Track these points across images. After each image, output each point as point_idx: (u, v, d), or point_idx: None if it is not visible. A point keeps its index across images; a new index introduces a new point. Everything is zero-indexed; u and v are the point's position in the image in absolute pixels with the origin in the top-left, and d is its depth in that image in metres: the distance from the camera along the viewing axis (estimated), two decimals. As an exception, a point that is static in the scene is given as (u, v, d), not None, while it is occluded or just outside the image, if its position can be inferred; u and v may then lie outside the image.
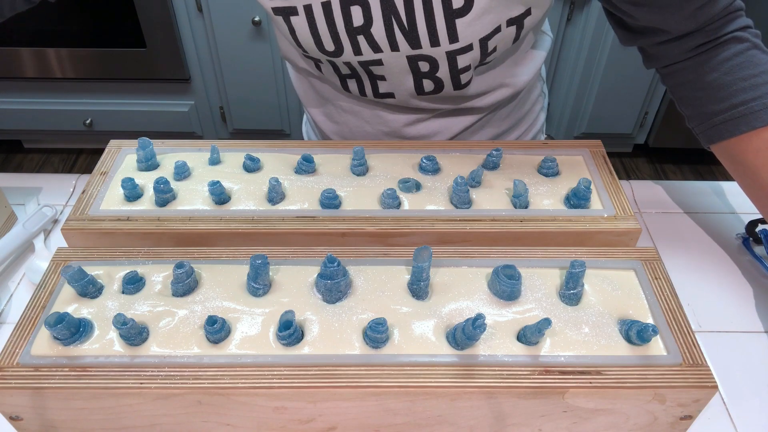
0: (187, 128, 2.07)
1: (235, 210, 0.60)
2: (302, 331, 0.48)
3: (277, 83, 1.94)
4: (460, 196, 0.60)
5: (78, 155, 2.27)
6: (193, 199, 0.61)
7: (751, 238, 0.70)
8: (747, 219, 0.72)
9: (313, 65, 0.71)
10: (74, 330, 0.47)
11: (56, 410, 0.47)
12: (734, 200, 0.77)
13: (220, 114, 2.06)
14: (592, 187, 0.63)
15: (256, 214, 0.59)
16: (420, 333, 0.48)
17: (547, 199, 0.62)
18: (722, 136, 0.63)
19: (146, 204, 0.61)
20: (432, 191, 0.62)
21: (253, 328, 0.48)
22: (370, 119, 0.77)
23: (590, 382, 0.45)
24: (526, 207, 0.61)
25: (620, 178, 0.66)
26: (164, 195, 0.60)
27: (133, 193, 0.61)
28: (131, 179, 0.60)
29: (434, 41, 0.62)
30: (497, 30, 0.62)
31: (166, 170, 0.65)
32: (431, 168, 0.64)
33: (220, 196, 0.60)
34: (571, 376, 0.45)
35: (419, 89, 0.69)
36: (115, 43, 1.84)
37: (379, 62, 0.65)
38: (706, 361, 0.47)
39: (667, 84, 0.69)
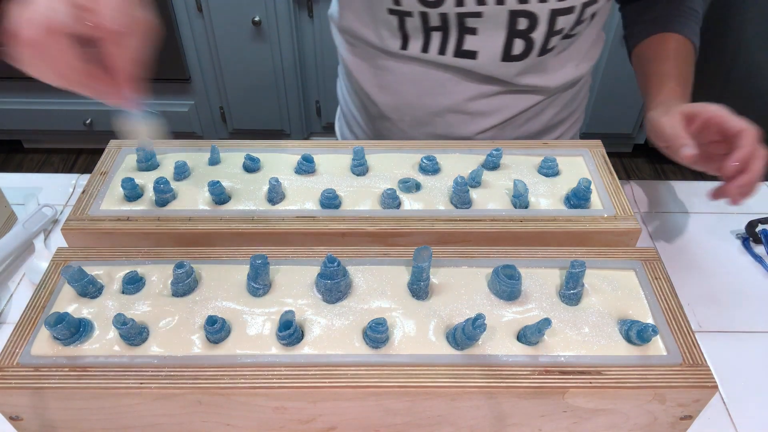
0: (187, 128, 2.07)
1: (235, 210, 0.60)
2: (302, 331, 0.48)
3: (277, 83, 1.94)
4: (460, 196, 0.60)
5: (78, 155, 2.27)
6: (193, 199, 0.61)
7: (751, 238, 0.70)
8: (747, 219, 0.72)
9: (395, 22, 0.70)
10: (74, 330, 0.47)
11: (56, 410, 0.47)
12: (734, 200, 0.77)
13: (220, 114, 2.06)
14: (592, 187, 0.63)
15: (256, 214, 0.59)
16: (420, 333, 0.48)
17: (547, 199, 0.62)
18: (640, 37, 0.76)
19: (146, 204, 0.61)
20: (432, 191, 0.62)
21: (253, 328, 0.48)
22: (432, 89, 0.76)
23: (590, 382, 0.45)
24: (526, 207, 0.61)
25: (620, 178, 0.66)
26: (164, 195, 0.60)
27: (133, 193, 0.61)
28: (131, 179, 0.60)
29: None
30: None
31: (166, 170, 0.65)
32: (431, 168, 0.64)
33: (220, 196, 0.60)
34: (571, 376, 0.45)
35: (507, 51, 0.70)
36: (115, 43, 1.83)
37: (478, 15, 0.66)
38: (706, 361, 0.47)
39: (627, 9, 0.80)
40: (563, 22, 0.67)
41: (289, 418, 0.48)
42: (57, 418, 0.48)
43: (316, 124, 2.11)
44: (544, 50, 0.71)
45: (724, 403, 0.55)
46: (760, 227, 0.70)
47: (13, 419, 0.48)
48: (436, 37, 0.70)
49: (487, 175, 0.64)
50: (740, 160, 0.57)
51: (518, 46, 0.69)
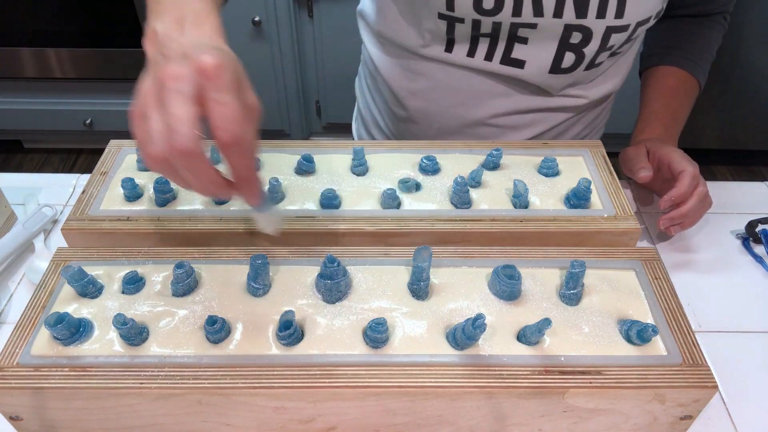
0: (187, 128, 2.07)
1: (235, 210, 0.60)
2: (302, 331, 0.48)
3: (277, 83, 1.94)
4: (460, 196, 0.60)
5: (78, 155, 2.27)
6: (193, 199, 0.61)
7: (751, 238, 0.70)
8: (747, 219, 0.72)
9: (443, 27, 0.69)
10: (74, 330, 0.47)
11: (56, 410, 0.47)
12: (734, 200, 0.77)
13: (220, 114, 2.06)
14: (592, 187, 0.63)
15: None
16: (420, 333, 0.48)
17: (547, 199, 0.62)
18: (651, 63, 0.82)
19: (146, 204, 0.61)
20: (432, 191, 0.62)
21: (253, 328, 0.48)
22: (468, 100, 0.76)
23: (590, 382, 0.45)
24: (526, 207, 0.61)
25: (620, 178, 0.66)
26: (164, 195, 0.60)
27: (133, 193, 0.61)
28: (131, 179, 0.60)
29: (601, 13, 0.64)
30: (648, 19, 0.67)
31: (166, 170, 0.65)
32: (431, 168, 0.64)
33: (220, 196, 0.60)
34: (571, 376, 0.45)
35: (556, 63, 0.70)
36: (115, 43, 1.83)
37: (532, 26, 0.66)
38: (706, 361, 0.47)
39: (652, 28, 0.80)
40: (616, 39, 0.68)
41: (289, 418, 0.48)
42: (57, 418, 0.48)
43: (316, 124, 2.11)
44: (592, 65, 0.71)
45: (724, 403, 0.55)
46: (760, 227, 0.70)
47: (13, 419, 0.48)
48: (483, 43, 0.70)
49: (487, 175, 0.64)
50: (672, 198, 0.65)
51: (568, 59, 0.69)
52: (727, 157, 2.16)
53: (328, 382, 0.45)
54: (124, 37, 1.82)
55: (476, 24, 0.67)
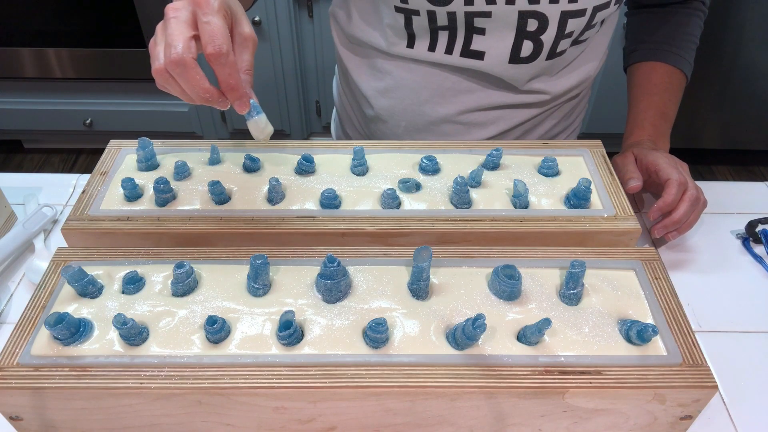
0: (187, 128, 2.07)
1: (235, 210, 0.60)
2: (302, 331, 0.48)
3: (277, 83, 1.94)
4: (460, 196, 0.60)
5: (78, 155, 2.27)
6: (193, 199, 0.61)
7: (751, 238, 0.70)
8: (747, 219, 0.72)
9: (401, 20, 0.70)
10: (74, 330, 0.47)
11: (56, 410, 0.47)
12: (734, 200, 0.77)
13: (220, 114, 2.06)
14: (592, 187, 0.63)
15: (256, 214, 0.59)
16: (420, 333, 0.48)
17: (547, 199, 0.62)
18: (635, 60, 0.81)
19: (146, 204, 0.61)
20: (432, 191, 0.62)
21: (253, 328, 0.48)
22: (432, 97, 0.76)
23: (590, 382, 0.45)
24: (526, 207, 0.61)
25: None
26: (164, 195, 0.60)
27: (133, 193, 0.61)
28: (131, 179, 0.60)
29: None
30: (607, 4, 0.67)
31: (166, 170, 0.65)
32: (431, 168, 0.64)
33: (220, 196, 0.60)
34: (571, 376, 0.45)
35: (515, 52, 0.69)
36: (115, 43, 1.83)
37: (487, 15, 0.66)
38: (706, 361, 0.47)
39: (631, 21, 0.84)
40: (573, 25, 0.67)
41: (289, 418, 0.48)
42: (57, 418, 0.48)
43: (316, 124, 2.11)
44: (553, 54, 0.70)
45: (724, 403, 0.55)
46: (760, 227, 0.70)
47: (13, 419, 0.48)
48: (443, 37, 0.70)
49: (487, 175, 0.64)
50: (660, 208, 0.65)
51: (527, 47, 0.69)
52: (727, 157, 2.16)
53: (328, 382, 0.45)
54: (124, 37, 1.82)
55: (432, 15, 0.67)
